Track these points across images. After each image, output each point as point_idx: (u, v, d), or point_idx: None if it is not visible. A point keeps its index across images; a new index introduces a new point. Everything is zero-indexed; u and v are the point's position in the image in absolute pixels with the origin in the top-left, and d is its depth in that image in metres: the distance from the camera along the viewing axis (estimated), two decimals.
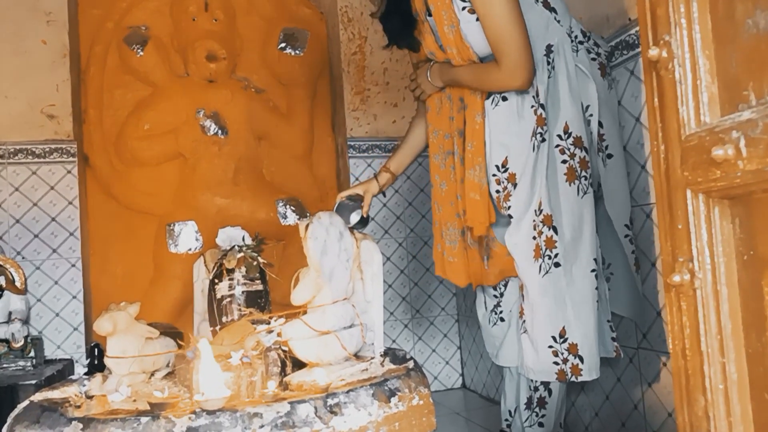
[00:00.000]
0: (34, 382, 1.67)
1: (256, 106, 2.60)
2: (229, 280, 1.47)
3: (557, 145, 1.43)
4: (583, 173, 1.44)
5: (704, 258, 0.69)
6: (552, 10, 1.49)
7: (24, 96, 2.29)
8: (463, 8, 1.42)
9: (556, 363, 1.41)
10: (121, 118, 2.50)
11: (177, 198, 2.49)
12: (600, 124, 1.49)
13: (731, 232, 0.68)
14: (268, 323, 1.32)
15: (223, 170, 2.48)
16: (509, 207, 1.45)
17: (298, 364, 1.22)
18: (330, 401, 0.97)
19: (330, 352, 1.20)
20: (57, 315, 2.27)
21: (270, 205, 2.54)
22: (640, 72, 1.54)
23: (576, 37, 1.51)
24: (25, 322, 1.84)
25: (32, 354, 1.81)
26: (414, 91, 1.67)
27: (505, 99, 1.46)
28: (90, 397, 1.19)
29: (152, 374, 1.29)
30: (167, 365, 1.33)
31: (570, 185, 1.42)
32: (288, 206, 2.57)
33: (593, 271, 1.43)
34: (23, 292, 1.85)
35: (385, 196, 1.96)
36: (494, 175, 1.48)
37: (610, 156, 1.51)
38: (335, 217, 1.37)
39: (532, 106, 1.44)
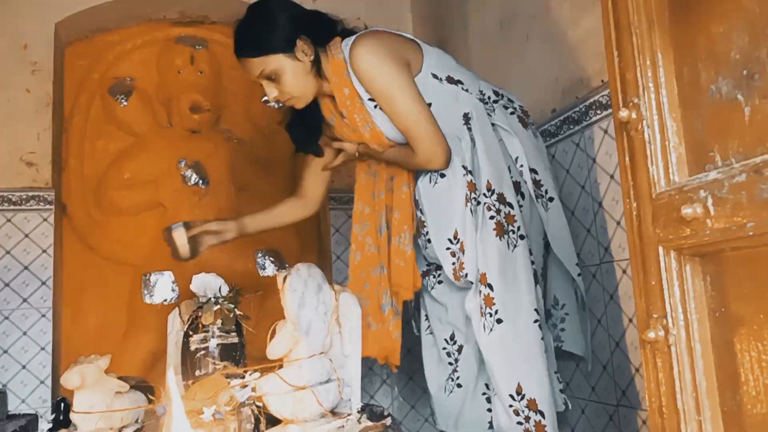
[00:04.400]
0: None
1: (238, 158, 2.61)
2: (204, 332, 1.44)
3: (484, 203, 1.47)
4: (511, 227, 1.47)
5: (677, 315, 0.70)
6: (457, 82, 1.58)
7: (4, 143, 2.28)
8: (375, 106, 1.54)
9: (519, 423, 1.39)
10: (102, 167, 2.49)
11: (154, 248, 2.46)
12: (534, 171, 1.55)
13: (703, 289, 0.69)
14: (243, 377, 1.29)
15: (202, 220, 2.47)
16: (466, 275, 1.48)
17: (273, 421, 1.18)
18: None
19: (306, 408, 1.17)
20: (23, 367, 2.19)
21: (249, 256, 2.52)
22: (613, 131, 1.59)
23: (489, 98, 1.59)
24: None
25: None
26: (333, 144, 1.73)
27: (443, 176, 1.54)
28: None
29: (120, 430, 1.24)
30: (136, 421, 1.28)
31: (500, 240, 1.44)
32: (267, 257, 2.55)
33: (536, 321, 1.43)
34: None
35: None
36: (448, 248, 1.52)
37: (551, 199, 1.56)
38: (314, 268, 1.36)
39: (464, 175, 1.50)
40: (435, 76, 1.55)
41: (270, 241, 2.62)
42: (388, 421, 1.18)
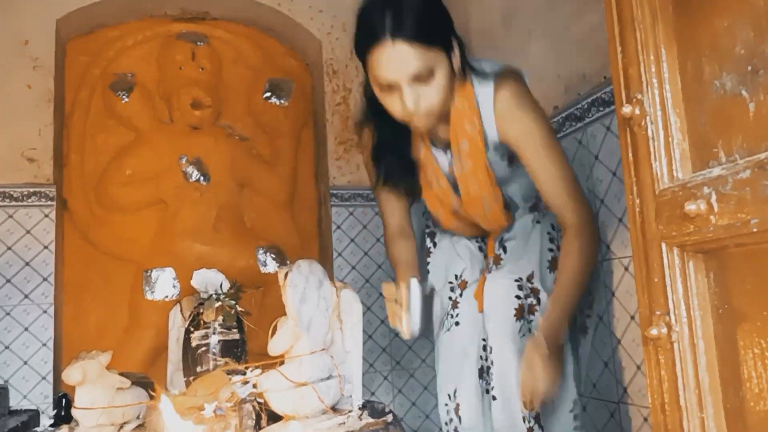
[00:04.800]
0: None
1: (239, 154, 2.61)
2: (205, 328, 1.44)
3: (518, 283, 1.43)
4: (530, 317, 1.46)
5: (680, 311, 0.70)
6: None
7: (5, 139, 2.28)
8: (496, 153, 1.38)
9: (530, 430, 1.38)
10: (102, 163, 2.49)
11: (156, 244, 2.46)
12: None
13: (706, 285, 0.69)
14: (244, 374, 1.29)
15: (203, 217, 2.47)
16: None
17: (274, 417, 1.18)
18: None
19: (307, 404, 1.17)
20: (25, 363, 2.19)
21: (250, 253, 2.52)
22: (615, 128, 1.58)
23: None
24: None
25: None
26: None
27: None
28: None
29: (121, 426, 1.24)
30: (137, 417, 1.28)
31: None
32: (268, 254, 2.55)
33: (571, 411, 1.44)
34: None
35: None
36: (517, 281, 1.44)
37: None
38: (315, 265, 1.36)
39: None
40: None
41: (271, 237, 2.62)
42: (390, 417, 1.17)
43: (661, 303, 0.72)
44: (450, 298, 1.61)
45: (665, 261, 0.71)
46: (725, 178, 0.62)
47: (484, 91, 1.31)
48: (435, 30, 1.20)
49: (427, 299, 1.36)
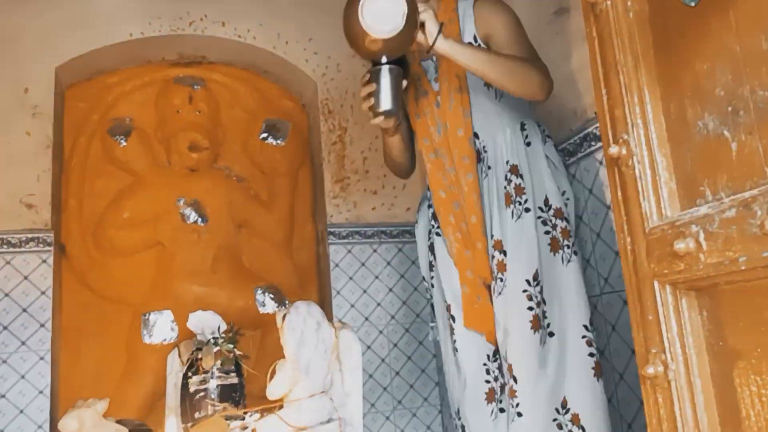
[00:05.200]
0: None
1: (237, 195, 2.63)
2: (204, 373, 1.43)
3: (539, 217, 1.49)
4: (566, 242, 1.49)
5: (676, 349, 0.70)
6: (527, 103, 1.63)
7: (4, 186, 2.30)
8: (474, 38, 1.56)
9: None
10: (101, 208, 2.50)
11: (154, 287, 2.46)
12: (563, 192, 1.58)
13: (700, 323, 0.69)
14: (243, 419, 1.28)
15: (201, 258, 2.47)
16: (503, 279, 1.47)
17: None
18: None
19: None
20: (21, 412, 2.16)
21: (249, 293, 2.52)
22: None
23: (544, 131, 1.64)
24: None
25: None
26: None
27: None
28: None
29: None
30: None
31: (554, 255, 1.47)
32: (267, 294, 2.55)
33: (584, 337, 1.45)
34: None
35: None
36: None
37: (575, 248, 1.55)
38: (313, 306, 1.36)
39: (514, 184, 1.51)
40: None
41: (269, 277, 2.61)
42: None
43: (656, 341, 0.72)
44: (451, 319, 1.59)
45: (658, 299, 0.72)
46: (712, 217, 0.63)
47: (464, 4, 1.58)
48: None
49: (397, 79, 1.41)
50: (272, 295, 2.55)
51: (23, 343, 2.21)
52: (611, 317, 1.62)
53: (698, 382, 0.69)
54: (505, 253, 1.47)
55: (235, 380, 1.47)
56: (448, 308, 1.60)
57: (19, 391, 2.17)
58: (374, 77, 1.39)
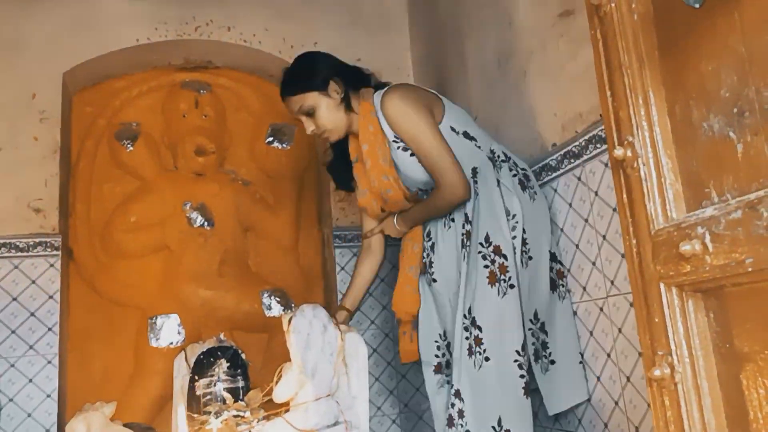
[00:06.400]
0: None
1: (243, 198, 2.64)
2: (210, 376, 1.43)
3: (479, 252, 1.63)
4: (503, 276, 1.61)
5: (682, 351, 0.70)
6: (472, 138, 1.78)
7: (12, 191, 2.31)
8: (397, 147, 1.75)
9: None
10: (108, 211, 2.51)
11: (161, 290, 2.47)
12: (524, 230, 1.68)
13: (706, 325, 0.69)
14: (249, 422, 1.28)
15: (208, 262, 2.47)
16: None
17: None
18: None
19: None
20: (29, 416, 2.17)
21: (255, 296, 2.52)
22: None
23: (498, 157, 1.77)
24: None
25: None
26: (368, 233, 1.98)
27: (452, 220, 1.76)
28: None
29: None
30: None
31: (491, 287, 1.60)
32: (273, 297, 2.55)
33: (515, 361, 1.57)
34: None
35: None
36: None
37: (530, 258, 1.69)
38: (319, 309, 1.36)
39: (463, 224, 1.72)
40: (453, 129, 1.75)
41: (275, 281, 2.62)
42: None
43: (662, 343, 0.72)
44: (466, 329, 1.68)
45: (665, 301, 0.72)
46: (718, 218, 0.63)
47: (377, 102, 1.76)
48: (305, 83, 1.77)
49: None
50: (278, 299, 2.55)
51: (31, 347, 2.22)
52: (617, 320, 1.61)
53: (705, 385, 0.68)
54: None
55: (242, 383, 1.48)
56: None
57: (27, 394, 2.19)
58: None
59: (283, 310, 2.49)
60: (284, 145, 2.73)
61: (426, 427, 2.57)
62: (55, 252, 2.31)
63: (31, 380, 2.20)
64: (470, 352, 1.60)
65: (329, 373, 1.29)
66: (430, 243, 1.84)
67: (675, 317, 0.71)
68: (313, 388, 1.22)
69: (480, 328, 1.59)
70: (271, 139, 2.72)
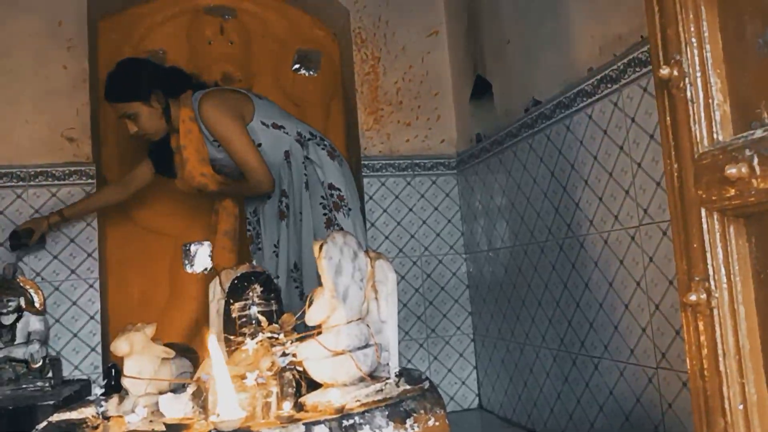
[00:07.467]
0: (52, 402, 1.68)
1: None
2: (245, 300, 1.47)
3: (300, 219, 2.06)
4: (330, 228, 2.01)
5: (720, 277, 0.69)
6: (280, 128, 2.08)
7: (45, 120, 2.34)
8: (218, 146, 2.05)
9: None
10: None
11: (193, 218, 2.52)
12: (338, 189, 2.07)
13: (747, 250, 0.67)
14: (283, 344, 1.32)
15: None
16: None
17: (313, 385, 1.21)
18: (345, 422, 0.97)
19: (345, 372, 1.19)
20: (75, 335, 2.29)
21: None
22: (653, 89, 1.53)
23: (304, 137, 2.10)
24: (44, 342, 1.86)
25: (50, 374, 1.82)
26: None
27: (269, 197, 2.13)
28: (107, 418, 1.20)
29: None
30: (183, 386, 1.33)
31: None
32: None
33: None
34: (42, 312, 1.87)
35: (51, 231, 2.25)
36: (274, 251, 2.12)
37: (350, 210, 2.09)
38: (349, 236, 1.37)
39: (280, 197, 2.09)
40: (263, 123, 2.05)
41: None
42: (426, 384, 1.19)
43: (700, 269, 0.71)
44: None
45: (705, 226, 0.70)
46: (767, 140, 0.60)
47: (196, 107, 2.03)
48: (129, 93, 2.00)
49: None
50: None
51: (73, 271, 2.31)
52: (649, 249, 1.60)
53: (742, 310, 0.68)
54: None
55: (275, 307, 1.52)
56: None
57: (72, 316, 2.30)
58: None
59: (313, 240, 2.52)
60: (311, 72, 2.68)
61: (453, 352, 2.64)
62: (90, 180, 2.36)
63: (74, 303, 2.30)
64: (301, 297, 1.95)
65: (359, 298, 1.31)
66: (256, 218, 2.18)
67: (714, 243, 0.70)
68: (345, 312, 1.25)
69: (300, 272, 2.02)
70: (297, 66, 2.68)
